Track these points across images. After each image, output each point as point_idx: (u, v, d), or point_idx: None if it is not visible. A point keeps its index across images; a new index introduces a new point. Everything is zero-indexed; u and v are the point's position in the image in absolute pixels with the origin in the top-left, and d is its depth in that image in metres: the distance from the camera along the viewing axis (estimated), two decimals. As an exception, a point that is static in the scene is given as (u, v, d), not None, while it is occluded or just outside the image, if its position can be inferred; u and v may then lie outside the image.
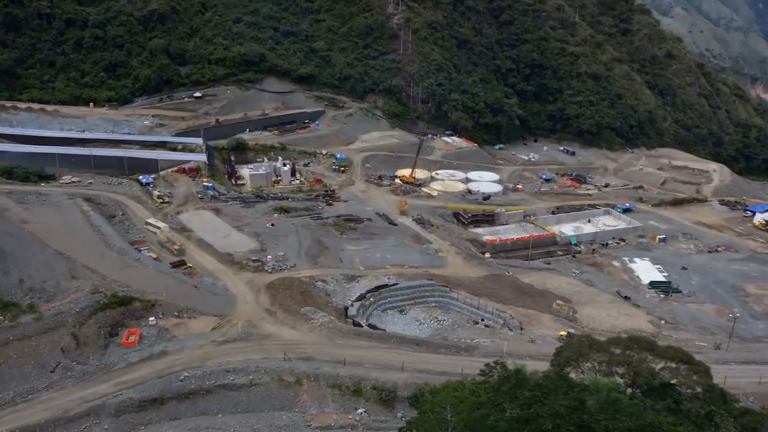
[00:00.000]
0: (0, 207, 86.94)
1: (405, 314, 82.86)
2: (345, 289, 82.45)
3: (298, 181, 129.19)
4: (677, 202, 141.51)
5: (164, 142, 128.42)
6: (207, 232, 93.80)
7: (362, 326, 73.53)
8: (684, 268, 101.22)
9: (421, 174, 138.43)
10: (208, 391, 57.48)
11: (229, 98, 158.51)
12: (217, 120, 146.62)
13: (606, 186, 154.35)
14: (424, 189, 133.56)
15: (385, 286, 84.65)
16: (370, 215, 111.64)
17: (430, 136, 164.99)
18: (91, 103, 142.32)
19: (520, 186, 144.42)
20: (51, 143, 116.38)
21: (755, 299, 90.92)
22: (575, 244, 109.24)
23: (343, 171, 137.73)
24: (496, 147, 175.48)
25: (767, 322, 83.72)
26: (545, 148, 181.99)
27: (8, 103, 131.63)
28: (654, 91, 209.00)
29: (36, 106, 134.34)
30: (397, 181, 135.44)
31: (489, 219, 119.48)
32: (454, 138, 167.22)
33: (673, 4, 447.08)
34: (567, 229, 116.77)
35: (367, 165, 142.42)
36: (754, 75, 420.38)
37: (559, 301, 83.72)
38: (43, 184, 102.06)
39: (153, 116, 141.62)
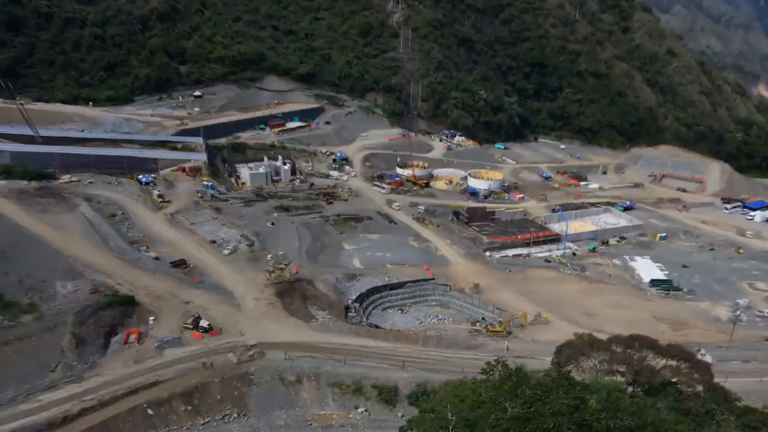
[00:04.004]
0: None
1: (405, 313, 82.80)
2: (345, 288, 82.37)
3: (297, 180, 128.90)
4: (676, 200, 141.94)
5: (164, 142, 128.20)
6: (207, 231, 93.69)
7: (362, 325, 73.49)
8: (685, 266, 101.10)
9: (422, 171, 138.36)
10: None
11: (228, 97, 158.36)
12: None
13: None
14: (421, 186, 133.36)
15: (386, 285, 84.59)
16: (370, 214, 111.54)
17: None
18: (90, 102, 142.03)
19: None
20: (51, 143, 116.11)
21: (756, 297, 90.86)
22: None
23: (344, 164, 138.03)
24: (500, 146, 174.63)
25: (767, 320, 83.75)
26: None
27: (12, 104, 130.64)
28: (654, 88, 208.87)
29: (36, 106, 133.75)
30: (397, 179, 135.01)
31: (487, 217, 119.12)
32: (458, 137, 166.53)
33: (673, 1, 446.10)
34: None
35: (368, 163, 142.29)
36: (755, 72, 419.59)
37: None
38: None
39: (152, 115, 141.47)
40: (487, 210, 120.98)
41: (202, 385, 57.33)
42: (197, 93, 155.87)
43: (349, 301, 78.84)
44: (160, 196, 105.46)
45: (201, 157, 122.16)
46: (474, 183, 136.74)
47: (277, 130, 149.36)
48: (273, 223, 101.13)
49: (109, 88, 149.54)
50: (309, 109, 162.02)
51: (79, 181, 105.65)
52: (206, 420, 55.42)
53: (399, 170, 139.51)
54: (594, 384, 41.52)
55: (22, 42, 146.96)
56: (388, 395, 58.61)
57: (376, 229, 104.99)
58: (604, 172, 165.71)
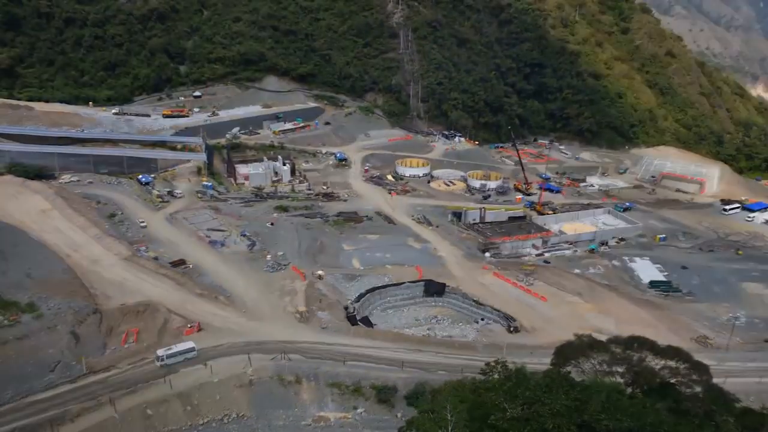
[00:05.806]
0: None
1: (404, 313, 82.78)
2: (344, 288, 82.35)
3: (298, 181, 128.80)
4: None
5: (164, 141, 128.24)
6: (206, 230, 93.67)
7: (361, 325, 73.49)
8: (684, 267, 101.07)
9: (423, 170, 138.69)
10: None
11: (228, 97, 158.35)
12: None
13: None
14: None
15: (385, 285, 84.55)
16: (369, 214, 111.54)
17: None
18: (90, 102, 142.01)
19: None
20: (51, 142, 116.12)
21: (755, 298, 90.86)
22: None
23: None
24: (493, 146, 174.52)
25: (767, 321, 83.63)
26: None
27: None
28: (654, 90, 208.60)
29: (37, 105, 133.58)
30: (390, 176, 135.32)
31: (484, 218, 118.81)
32: (458, 138, 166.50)
33: (673, 2, 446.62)
34: (567, 228, 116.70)
35: (367, 164, 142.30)
36: (755, 73, 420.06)
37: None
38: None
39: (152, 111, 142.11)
40: (486, 210, 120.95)
41: (201, 384, 57.37)
42: (197, 93, 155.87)
43: (349, 301, 78.82)
44: (159, 195, 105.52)
45: (201, 158, 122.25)
46: (473, 184, 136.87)
47: (277, 130, 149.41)
48: (272, 224, 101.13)
49: (109, 88, 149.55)
50: (309, 109, 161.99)
51: (78, 180, 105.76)
52: (205, 420, 55.38)
53: (399, 170, 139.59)
54: (593, 385, 41.55)
55: (22, 42, 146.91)
56: (386, 396, 58.61)
57: (376, 230, 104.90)
58: (604, 173, 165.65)
